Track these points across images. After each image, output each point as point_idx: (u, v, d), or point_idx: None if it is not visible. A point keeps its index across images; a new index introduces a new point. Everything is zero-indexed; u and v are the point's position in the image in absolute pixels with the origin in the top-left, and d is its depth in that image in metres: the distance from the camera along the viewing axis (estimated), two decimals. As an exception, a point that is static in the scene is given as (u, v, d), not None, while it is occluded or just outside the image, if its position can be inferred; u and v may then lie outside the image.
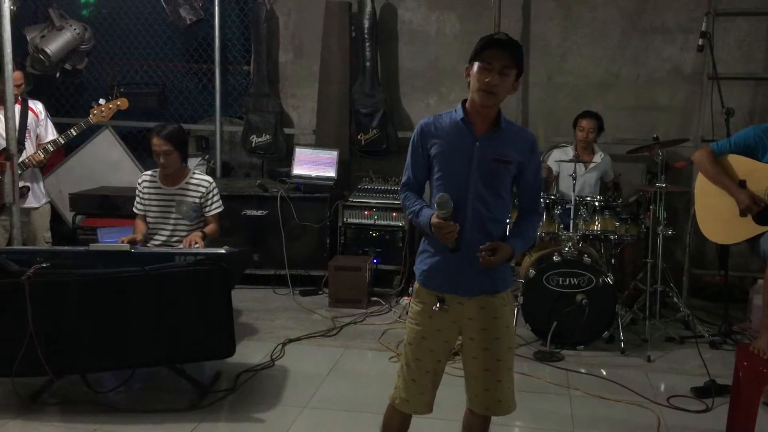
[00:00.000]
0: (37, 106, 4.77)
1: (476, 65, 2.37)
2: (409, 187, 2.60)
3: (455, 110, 2.50)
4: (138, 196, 4.34)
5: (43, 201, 4.81)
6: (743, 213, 3.83)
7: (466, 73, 2.43)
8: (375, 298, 5.33)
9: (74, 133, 4.59)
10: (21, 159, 4.56)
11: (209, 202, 4.33)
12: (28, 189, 4.64)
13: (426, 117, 2.56)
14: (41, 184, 4.80)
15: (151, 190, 4.29)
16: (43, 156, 4.63)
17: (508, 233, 2.56)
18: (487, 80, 2.34)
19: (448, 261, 2.46)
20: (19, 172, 4.51)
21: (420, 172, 2.56)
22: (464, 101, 2.49)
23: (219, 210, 4.40)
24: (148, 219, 4.32)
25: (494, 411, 2.57)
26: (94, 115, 4.51)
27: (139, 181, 4.36)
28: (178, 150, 4.18)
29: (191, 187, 4.28)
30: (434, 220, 2.39)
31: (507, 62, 2.34)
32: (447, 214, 2.37)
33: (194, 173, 4.36)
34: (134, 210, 4.37)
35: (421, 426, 2.76)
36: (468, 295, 2.47)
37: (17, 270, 3.32)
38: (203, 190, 4.30)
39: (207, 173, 6.43)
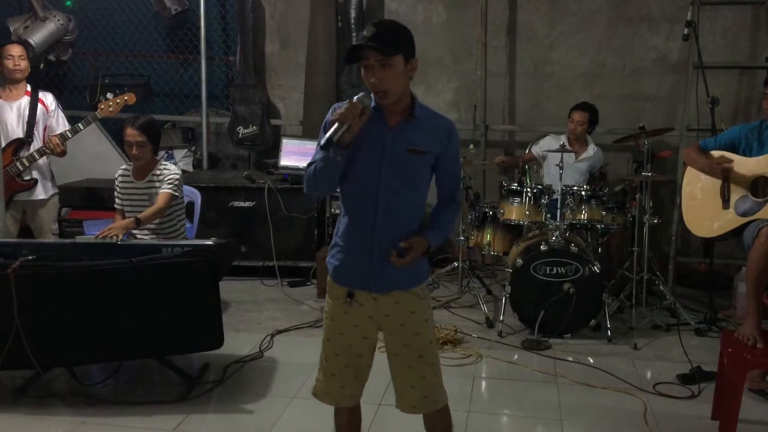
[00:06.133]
0: (47, 98, 4.74)
1: (362, 69, 2.26)
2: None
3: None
4: (116, 190, 4.29)
5: (51, 192, 4.78)
6: (726, 201, 3.85)
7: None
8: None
9: (82, 128, 4.54)
10: (30, 151, 4.56)
11: (160, 183, 4.15)
12: (36, 181, 4.61)
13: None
14: (50, 176, 4.77)
15: (126, 186, 4.23)
16: (63, 145, 4.56)
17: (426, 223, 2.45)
18: (372, 80, 2.23)
19: (358, 256, 2.36)
20: (34, 161, 4.54)
21: None
22: None
23: (168, 190, 4.12)
24: (126, 214, 4.22)
25: (420, 409, 2.47)
26: (101, 109, 4.47)
27: (116, 175, 4.30)
28: (151, 141, 4.10)
29: (156, 178, 4.18)
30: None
31: (382, 55, 2.20)
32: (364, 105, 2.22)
33: (161, 164, 4.24)
34: (115, 205, 4.31)
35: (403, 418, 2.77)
36: (379, 291, 2.37)
37: (2, 263, 3.30)
38: (162, 177, 4.16)
39: (194, 165, 6.45)
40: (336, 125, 2.19)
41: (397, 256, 2.31)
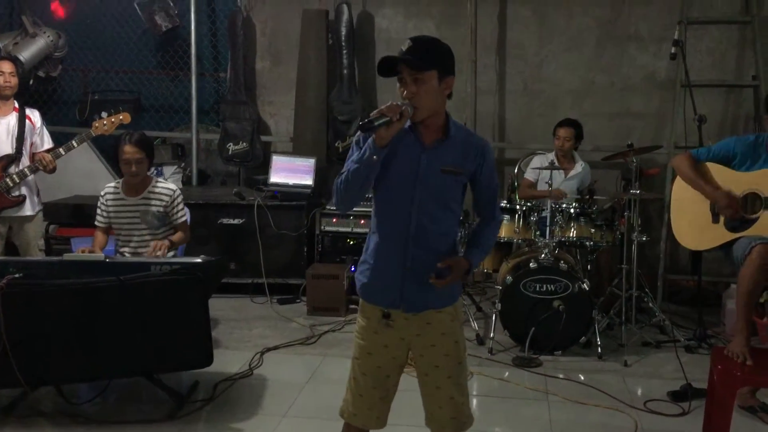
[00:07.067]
0: (34, 115, 4.73)
1: (398, 83, 2.29)
2: None
3: None
4: (100, 208, 4.23)
5: (38, 209, 4.75)
6: (716, 215, 3.85)
7: None
8: (353, 306, 5.31)
9: (75, 145, 4.51)
10: (21, 167, 4.52)
11: (174, 210, 4.22)
12: (24, 198, 4.58)
13: None
14: (36, 192, 4.74)
15: (116, 203, 4.19)
16: (54, 162, 4.53)
17: (466, 242, 2.49)
18: (404, 94, 2.25)
19: (388, 275, 2.35)
20: (25, 177, 4.49)
21: None
22: None
23: (185, 218, 4.30)
24: (116, 232, 4.20)
25: (449, 429, 2.46)
26: (96, 128, 4.46)
27: (102, 193, 4.23)
28: (148, 157, 4.11)
29: (154, 196, 4.18)
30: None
31: (413, 70, 2.23)
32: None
33: (157, 181, 4.25)
34: (96, 222, 4.24)
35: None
36: (412, 311, 2.36)
37: (-11, 281, 3.28)
38: (167, 198, 4.18)
39: (183, 181, 6.43)
40: (378, 114, 2.20)
41: (436, 277, 2.30)
